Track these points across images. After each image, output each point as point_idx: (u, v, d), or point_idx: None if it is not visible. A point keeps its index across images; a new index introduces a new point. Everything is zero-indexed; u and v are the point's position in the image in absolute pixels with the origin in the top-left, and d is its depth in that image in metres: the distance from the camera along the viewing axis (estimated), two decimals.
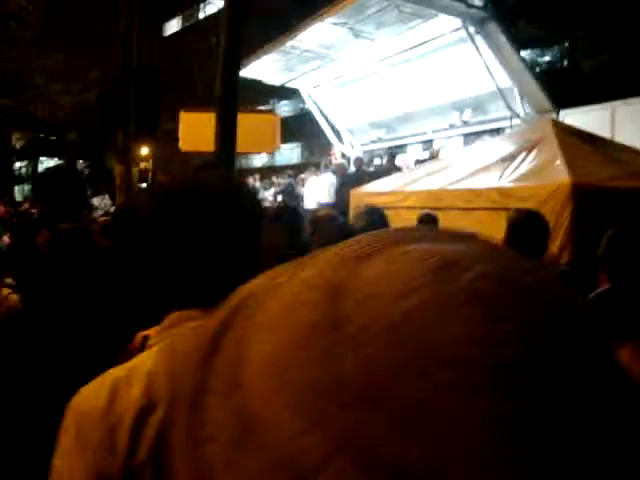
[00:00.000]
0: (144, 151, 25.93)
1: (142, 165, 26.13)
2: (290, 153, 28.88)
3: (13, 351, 2.27)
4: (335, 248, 0.37)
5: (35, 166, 27.81)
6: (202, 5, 30.86)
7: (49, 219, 2.32)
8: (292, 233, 3.73)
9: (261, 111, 16.08)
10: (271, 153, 22.42)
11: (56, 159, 26.37)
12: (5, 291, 3.31)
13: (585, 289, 2.53)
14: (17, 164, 28.61)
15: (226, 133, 6.54)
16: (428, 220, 5.41)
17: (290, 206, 4.30)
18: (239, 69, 6.48)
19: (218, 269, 1.14)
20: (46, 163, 26.79)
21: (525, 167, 6.27)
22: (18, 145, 27.64)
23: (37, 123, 25.38)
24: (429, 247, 0.35)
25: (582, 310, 0.34)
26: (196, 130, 9.07)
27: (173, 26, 36.68)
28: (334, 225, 3.13)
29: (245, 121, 7.78)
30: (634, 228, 2.42)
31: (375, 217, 3.35)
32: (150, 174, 25.61)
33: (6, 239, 4.90)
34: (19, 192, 27.29)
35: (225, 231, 1.13)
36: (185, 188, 1.16)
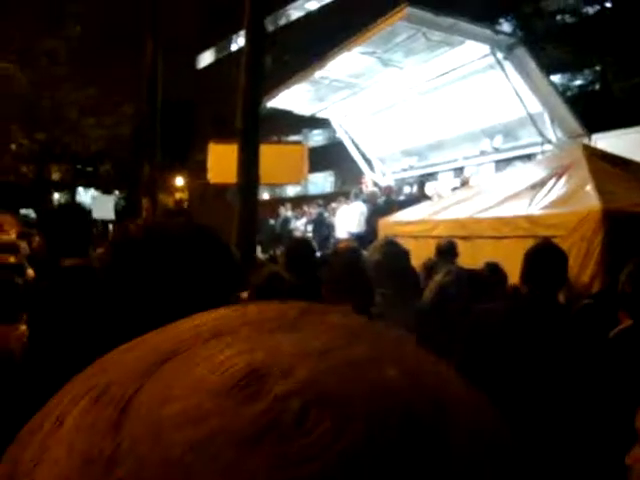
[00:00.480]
0: (179, 181, 26.32)
1: (177, 195, 26.54)
2: (323, 182, 29.00)
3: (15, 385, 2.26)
4: (148, 341, 0.33)
5: (73, 197, 28.37)
6: (234, 37, 31.41)
7: (54, 255, 2.31)
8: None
9: (289, 142, 16.13)
10: (299, 183, 22.46)
11: (92, 190, 26.91)
12: (23, 327, 3.32)
13: (607, 324, 2.42)
14: (56, 195, 29.23)
15: (248, 164, 6.54)
16: (448, 247, 5.32)
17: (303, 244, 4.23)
18: (260, 101, 6.52)
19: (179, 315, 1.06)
20: (83, 194, 27.37)
21: (555, 193, 6.12)
22: (56, 177, 28.30)
23: (74, 155, 26.00)
24: (240, 348, 0.29)
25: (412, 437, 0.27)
26: (224, 162, 9.08)
27: (207, 58, 37.44)
28: (348, 260, 3.05)
29: (271, 152, 7.78)
30: None
31: (392, 251, 3.26)
32: (185, 204, 25.92)
33: (31, 272, 4.91)
34: None
35: (184, 277, 1.07)
36: (143, 236, 1.11)
